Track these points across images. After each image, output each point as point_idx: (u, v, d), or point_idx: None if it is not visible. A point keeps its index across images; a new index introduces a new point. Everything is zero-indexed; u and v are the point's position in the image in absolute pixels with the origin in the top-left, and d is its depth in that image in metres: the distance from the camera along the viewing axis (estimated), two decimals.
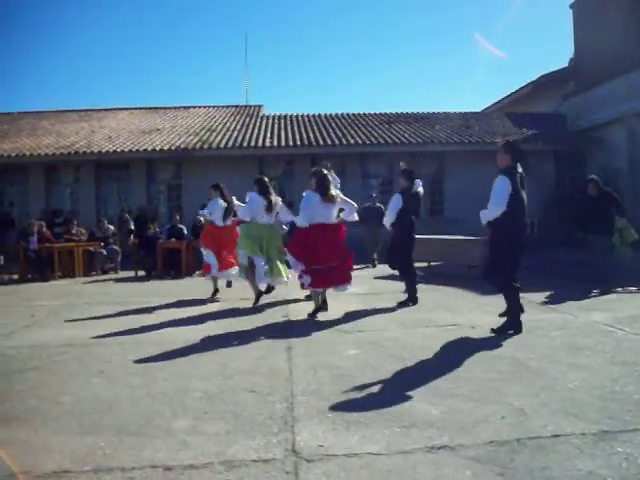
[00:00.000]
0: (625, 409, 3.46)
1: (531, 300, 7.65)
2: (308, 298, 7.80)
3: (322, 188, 6.77)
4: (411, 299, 7.51)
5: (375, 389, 4.01)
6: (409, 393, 3.90)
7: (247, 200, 7.69)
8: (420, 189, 7.74)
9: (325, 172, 6.93)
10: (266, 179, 7.87)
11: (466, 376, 4.27)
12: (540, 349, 5.04)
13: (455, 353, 4.97)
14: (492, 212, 5.60)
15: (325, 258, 6.70)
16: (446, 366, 4.55)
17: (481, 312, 6.77)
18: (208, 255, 8.66)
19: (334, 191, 6.89)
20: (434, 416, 3.45)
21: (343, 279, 6.95)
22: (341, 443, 3.08)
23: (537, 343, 5.28)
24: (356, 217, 7.21)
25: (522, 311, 5.76)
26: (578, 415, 3.38)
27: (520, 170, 5.68)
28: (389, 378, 4.27)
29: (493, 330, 5.69)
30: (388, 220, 7.47)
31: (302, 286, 6.97)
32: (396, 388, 4.02)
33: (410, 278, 7.60)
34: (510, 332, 5.63)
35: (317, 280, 6.75)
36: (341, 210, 7.04)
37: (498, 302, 7.52)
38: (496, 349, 5.06)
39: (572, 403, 3.60)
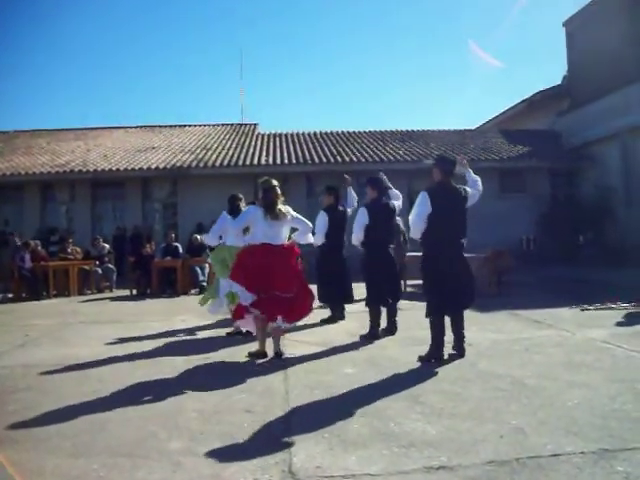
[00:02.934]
0: (625, 427, 3.43)
1: (528, 317, 7.64)
2: (324, 322, 7.61)
3: (268, 201, 5.70)
4: (372, 334, 6.54)
5: (372, 409, 3.97)
6: (407, 412, 3.86)
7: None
8: (395, 202, 6.96)
9: (274, 183, 5.83)
10: (239, 196, 7.21)
11: (463, 395, 4.23)
12: (537, 366, 5.00)
13: (452, 371, 4.93)
14: (412, 230, 5.44)
15: (268, 286, 5.52)
16: (443, 385, 4.52)
17: (478, 330, 6.74)
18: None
19: (284, 207, 5.80)
20: (432, 436, 3.41)
21: (291, 314, 5.72)
22: (338, 464, 3.04)
23: (534, 360, 5.25)
24: (311, 239, 6.36)
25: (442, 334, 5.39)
26: (577, 433, 3.35)
27: (457, 185, 5.54)
28: (386, 397, 4.22)
29: (420, 358, 5.34)
30: (356, 238, 6.64)
31: (236, 318, 6.01)
32: (393, 407, 3.98)
33: (372, 308, 6.64)
34: (432, 361, 5.25)
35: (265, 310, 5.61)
36: (294, 230, 6.09)
37: (495, 319, 7.53)
38: (493, 367, 5.03)
39: (571, 421, 3.57)
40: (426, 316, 5.45)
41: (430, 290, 5.47)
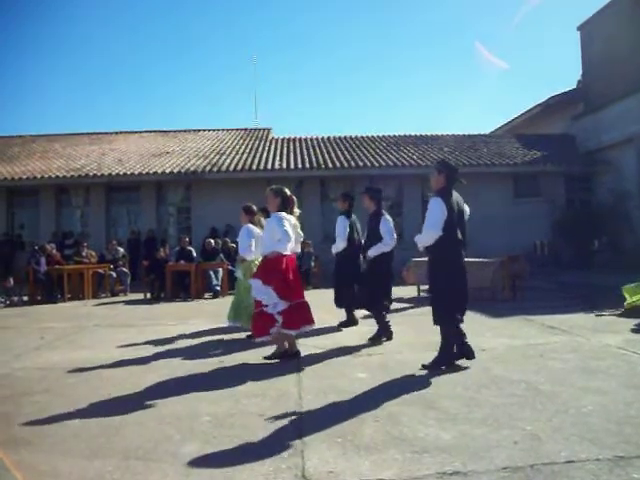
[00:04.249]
0: None
1: (542, 322, 7.59)
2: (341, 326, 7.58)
3: (292, 209, 5.90)
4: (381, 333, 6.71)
5: (385, 413, 3.95)
6: (420, 417, 3.84)
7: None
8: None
9: (289, 192, 5.99)
10: (253, 207, 7.37)
11: (478, 400, 4.21)
12: (552, 372, 4.97)
13: (465, 376, 4.91)
14: (427, 237, 5.16)
15: (297, 292, 5.74)
16: (457, 390, 4.50)
17: (491, 335, 6.70)
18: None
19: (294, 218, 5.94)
20: (446, 441, 3.39)
21: (311, 318, 5.88)
22: (352, 469, 3.03)
23: (549, 366, 5.21)
24: (298, 249, 6.29)
25: (460, 343, 5.21)
26: (593, 440, 3.32)
27: (456, 194, 5.27)
28: (399, 402, 4.21)
29: (424, 366, 5.20)
30: (384, 247, 6.56)
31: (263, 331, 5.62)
32: (407, 412, 3.96)
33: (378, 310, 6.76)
34: (442, 368, 5.14)
35: (291, 319, 5.60)
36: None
37: (509, 325, 7.49)
38: (507, 373, 5.00)
39: (586, 428, 3.54)
40: (438, 323, 5.26)
41: (445, 294, 5.20)
